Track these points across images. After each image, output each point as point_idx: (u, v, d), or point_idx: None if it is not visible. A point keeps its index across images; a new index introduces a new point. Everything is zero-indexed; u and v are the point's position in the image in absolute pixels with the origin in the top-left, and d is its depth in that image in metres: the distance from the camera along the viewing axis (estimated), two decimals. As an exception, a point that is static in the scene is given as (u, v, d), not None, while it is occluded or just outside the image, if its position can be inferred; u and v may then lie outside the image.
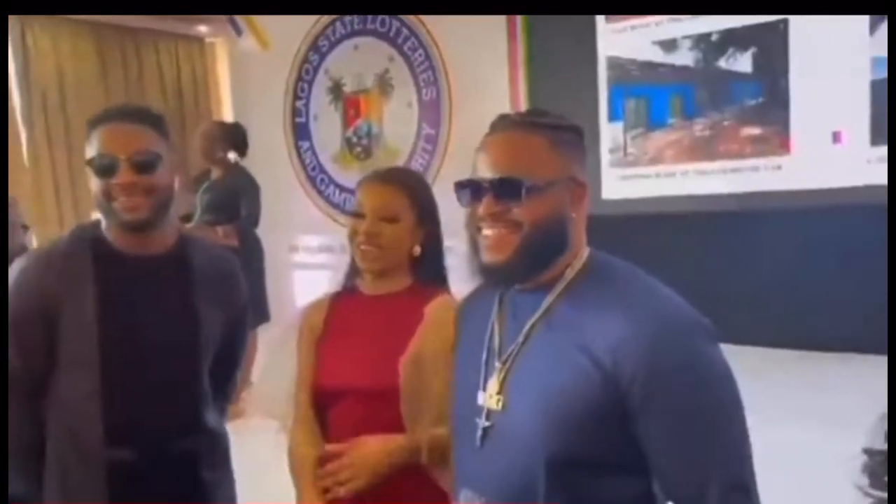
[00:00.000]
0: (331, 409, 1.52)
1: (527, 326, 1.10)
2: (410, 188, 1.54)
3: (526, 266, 1.08)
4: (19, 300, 1.49)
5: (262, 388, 3.78)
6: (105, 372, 1.47)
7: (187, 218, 4.31)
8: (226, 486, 1.66)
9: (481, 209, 1.08)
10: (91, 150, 1.47)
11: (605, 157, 2.88)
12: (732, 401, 1.02)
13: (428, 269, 1.54)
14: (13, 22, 4.99)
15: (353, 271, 1.59)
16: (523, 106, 3.13)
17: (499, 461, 1.08)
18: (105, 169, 1.45)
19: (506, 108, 2.20)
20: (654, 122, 2.80)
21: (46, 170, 5.08)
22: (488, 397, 1.11)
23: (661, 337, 0.99)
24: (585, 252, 1.13)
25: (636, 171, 2.84)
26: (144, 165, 1.45)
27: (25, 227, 3.13)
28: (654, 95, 2.81)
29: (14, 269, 1.53)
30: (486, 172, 1.08)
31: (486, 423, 1.10)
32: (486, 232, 1.08)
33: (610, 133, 2.89)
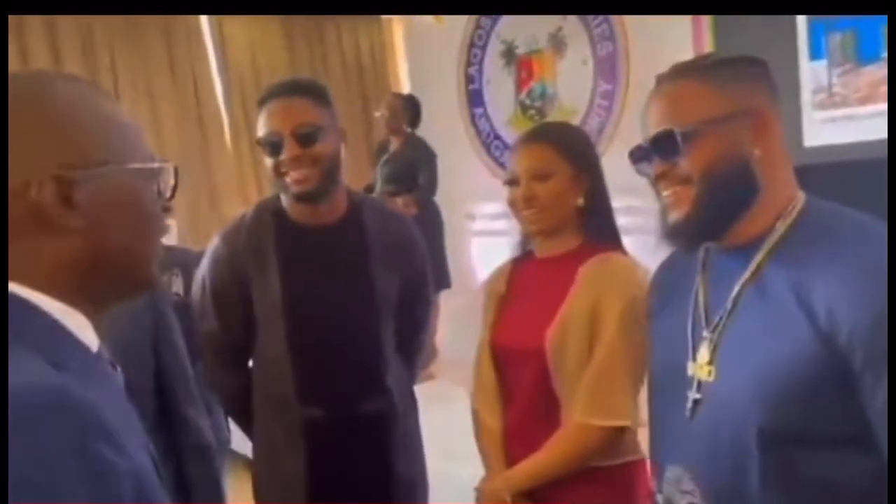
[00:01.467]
0: (505, 371, 1.52)
1: (735, 290, 1.00)
2: (559, 141, 1.48)
3: (710, 220, 0.99)
4: (213, 270, 1.61)
5: (449, 355, 3.89)
6: (291, 335, 1.56)
7: (369, 189, 4.49)
8: (412, 447, 1.71)
9: (652, 172, 1.01)
10: (260, 130, 1.55)
11: (807, 99, 2.60)
12: None
13: (596, 224, 1.48)
14: (210, 18, 5.40)
15: (525, 236, 1.57)
16: (708, 51, 2.90)
17: (709, 435, 1.00)
18: (272, 146, 1.52)
19: (689, 56, 2.05)
20: (864, 57, 2.48)
21: (247, 151, 5.50)
22: (698, 368, 1.03)
23: (886, 294, 0.86)
24: (800, 200, 1.01)
25: (844, 113, 2.54)
26: (307, 138, 1.50)
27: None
28: (863, 27, 2.49)
29: (209, 247, 1.65)
30: (648, 134, 1.02)
31: (697, 395, 1.03)
32: (663, 192, 1.02)
33: (811, 73, 2.60)
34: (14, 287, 0.69)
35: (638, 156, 1.05)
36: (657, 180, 1.03)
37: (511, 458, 1.47)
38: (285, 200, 1.61)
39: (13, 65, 4.43)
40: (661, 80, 1.05)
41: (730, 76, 1.01)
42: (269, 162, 1.55)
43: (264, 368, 1.63)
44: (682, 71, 1.03)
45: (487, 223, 4.26)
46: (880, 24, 2.43)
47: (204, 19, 5.35)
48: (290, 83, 1.60)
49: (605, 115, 3.64)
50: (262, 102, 1.57)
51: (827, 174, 2.42)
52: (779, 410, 0.93)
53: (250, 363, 1.66)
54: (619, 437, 1.39)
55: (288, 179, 1.53)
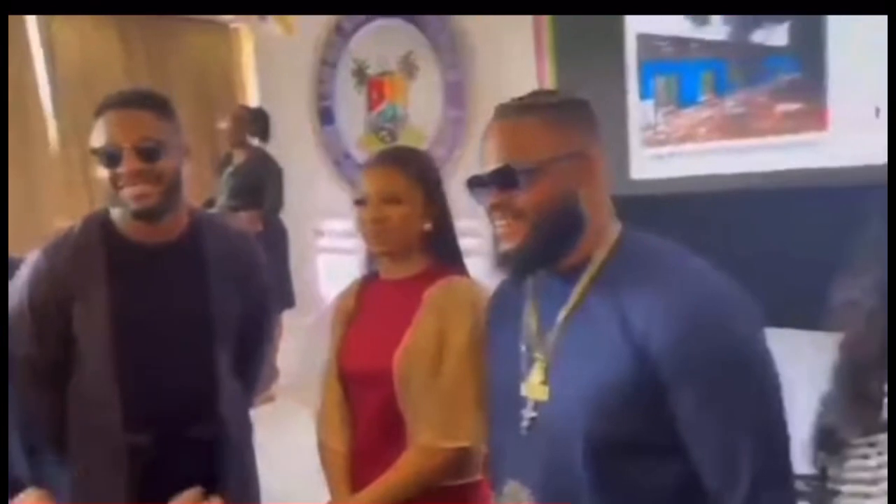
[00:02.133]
0: (352, 393, 1.52)
1: (562, 314, 1.08)
2: (412, 167, 1.50)
3: (539, 252, 1.06)
4: (32, 289, 1.49)
5: (292, 376, 3.81)
6: (117, 359, 1.46)
7: (211, 203, 4.33)
8: (245, 474, 1.65)
9: (488, 202, 1.06)
10: (96, 139, 1.46)
11: (635, 136, 2.81)
12: (768, 382, 0.98)
13: (442, 248, 1.51)
14: (38, 17, 5.01)
15: (371, 256, 1.58)
16: (550, 85, 3.07)
17: (544, 451, 1.06)
18: (110, 158, 1.43)
19: (533, 88, 2.16)
20: (685, 99, 2.73)
21: (76, 160, 5.11)
22: (532, 388, 1.09)
23: (692, 310, 0.96)
24: (615, 231, 1.10)
25: (667, 150, 2.77)
26: (150, 152, 1.43)
27: None
28: (685, 72, 2.73)
29: (28, 260, 1.53)
30: (486, 165, 1.07)
31: (533, 414, 1.08)
32: (498, 223, 1.07)
33: (640, 111, 2.82)
34: None
35: (475, 183, 1.10)
36: (493, 209, 1.08)
37: (358, 482, 1.46)
38: (118, 215, 1.51)
39: None
40: (502, 112, 1.10)
41: (565, 118, 1.08)
42: (103, 174, 1.45)
43: (85, 393, 1.51)
44: (524, 108, 1.08)
45: (335, 241, 4.23)
46: (701, 70, 2.69)
47: (32, 18, 4.95)
48: (134, 94, 1.52)
49: (453, 141, 3.73)
50: (100, 111, 1.48)
51: (652, 205, 2.63)
52: (603, 423, 1.00)
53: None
54: (464, 457, 1.42)
55: (126, 194, 1.44)
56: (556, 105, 1.09)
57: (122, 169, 1.42)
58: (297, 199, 4.28)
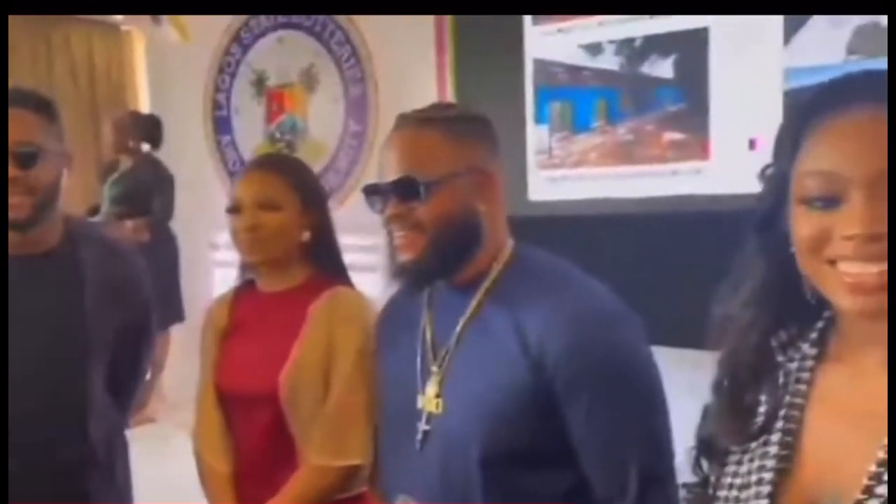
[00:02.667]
0: (234, 415, 1.46)
1: (458, 326, 1.09)
2: (289, 173, 1.46)
3: (437, 265, 1.07)
4: None
5: (174, 397, 3.65)
6: None
7: (94, 211, 4.12)
8: (118, 496, 1.56)
9: (387, 212, 1.07)
10: None
11: (532, 159, 2.90)
12: (654, 393, 1.03)
13: (324, 259, 1.48)
14: None
15: (245, 267, 1.53)
16: (450, 98, 3.12)
17: (437, 464, 1.06)
18: None
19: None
20: (578, 125, 2.83)
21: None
22: (427, 401, 1.09)
23: (584, 324, 1.00)
24: (510, 246, 1.12)
25: (561, 174, 2.86)
26: (25, 158, 1.32)
27: None
28: (579, 99, 2.84)
29: None
30: (387, 174, 1.07)
31: (426, 427, 1.08)
32: (396, 234, 1.07)
33: (536, 135, 2.90)
34: None
35: (372, 191, 1.09)
36: (391, 220, 1.08)
37: (246, 502, 1.41)
38: None
39: None
40: (404, 122, 1.10)
41: (466, 132, 1.10)
42: None
43: None
44: (425, 120, 1.09)
45: (231, 253, 4.11)
46: (594, 97, 2.80)
47: None
48: (15, 92, 1.40)
49: (354, 155, 3.72)
50: None
51: (548, 225, 2.71)
52: (496, 435, 1.01)
53: None
54: (354, 474, 1.40)
55: None
56: (456, 119, 1.11)
57: None
58: (192, 211, 4.14)
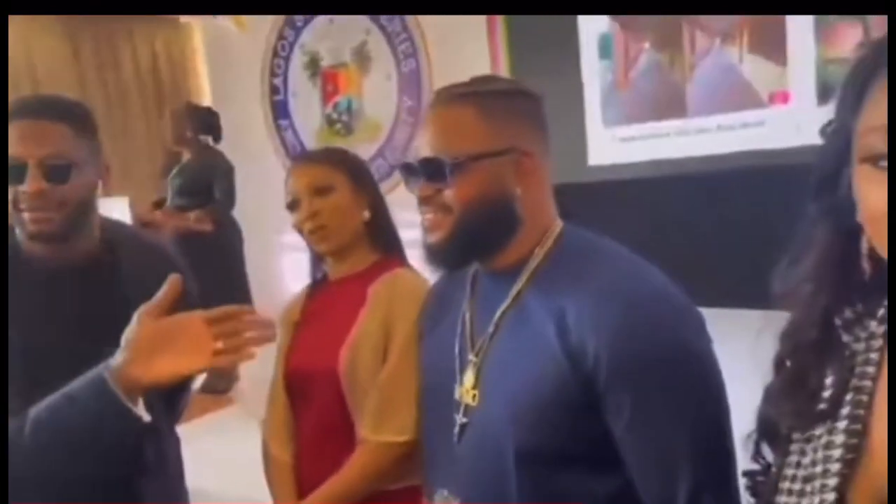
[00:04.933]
0: (299, 398, 1.49)
1: (497, 314, 1.03)
2: (334, 159, 1.51)
3: (464, 248, 1.01)
4: None
5: (249, 382, 3.73)
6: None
7: (160, 204, 4.23)
8: (161, 488, 1.55)
9: (417, 192, 1.01)
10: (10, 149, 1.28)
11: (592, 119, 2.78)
12: (708, 392, 0.93)
13: (384, 240, 1.51)
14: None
15: (316, 259, 1.56)
16: (504, 69, 3.03)
17: (474, 458, 1.01)
18: (13, 174, 1.27)
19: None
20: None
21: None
22: (464, 392, 1.04)
23: (629, 316, 0.91)
24: (556, 229, 1.04)
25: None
26: (58, 172, 1.27)
27: None
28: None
29: None
30: (419, 153, 1.02)
31: (464, 420, 1.03)
32: (425, 215, 1.03)
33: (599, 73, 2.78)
34: None
35: (406, 171, 1.05)
36: (421, 202, 1.04)
37: (305, 487, 1.42)
38: (19, 235, 1.35)
39: None
40: (438, 98, 1.05)
41: (507, 109, 1.02)
42: (10, 190, 1.29)
43: None
44: (461, 96, 1.03)
45: (296, 237, 4.16)
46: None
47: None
48: (50, 101, 1.35)
49: (410, 131, 3.68)
50: (11, 116, 1.30)
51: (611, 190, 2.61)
52: (533, 431, 0.95)
53: None
54: (405, 456, 1.37)
55: (25, 215, 1.29)
56: (496, 94, 1.03)
57: (24, 187, 1.27)
58: (255, 197, 4.20)
